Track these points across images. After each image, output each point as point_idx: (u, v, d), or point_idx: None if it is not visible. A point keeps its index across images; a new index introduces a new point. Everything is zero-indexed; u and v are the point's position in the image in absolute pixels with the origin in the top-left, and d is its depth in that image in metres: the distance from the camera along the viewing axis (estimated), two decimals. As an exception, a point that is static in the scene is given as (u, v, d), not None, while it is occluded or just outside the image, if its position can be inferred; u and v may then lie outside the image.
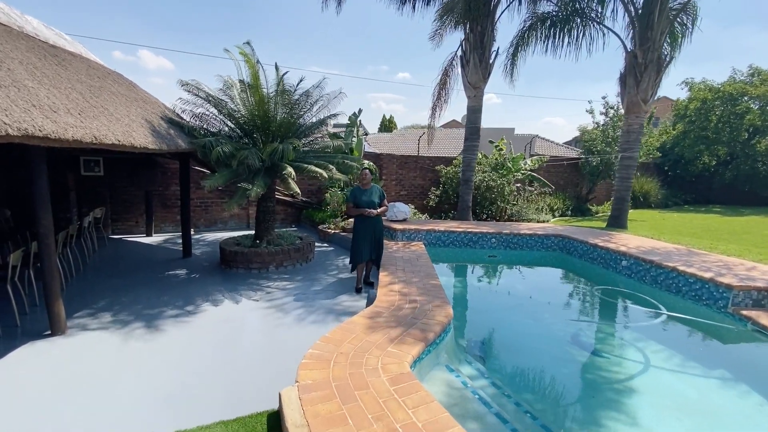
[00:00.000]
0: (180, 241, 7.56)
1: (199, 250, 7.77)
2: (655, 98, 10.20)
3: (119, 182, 8.88)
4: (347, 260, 5.54)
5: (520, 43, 10.65)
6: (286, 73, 6.54)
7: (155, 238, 8.82)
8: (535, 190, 13.33)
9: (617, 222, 9.96)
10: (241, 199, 5.68)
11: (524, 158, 12.86)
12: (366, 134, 11.80)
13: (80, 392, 3.03)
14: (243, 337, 4.09)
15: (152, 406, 2.86)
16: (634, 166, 10.08)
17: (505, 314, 5.34)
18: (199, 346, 3.86)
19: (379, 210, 5.29)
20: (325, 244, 8.56)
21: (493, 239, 7.84)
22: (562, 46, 10.47)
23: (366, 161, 7.85)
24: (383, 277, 5.18)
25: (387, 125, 35.20)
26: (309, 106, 6.79)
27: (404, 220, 8.74)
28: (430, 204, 11.90)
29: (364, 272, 5.66)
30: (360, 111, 10.55)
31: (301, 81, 6.52)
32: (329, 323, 4.35)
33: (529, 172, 12.72)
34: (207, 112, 6.52)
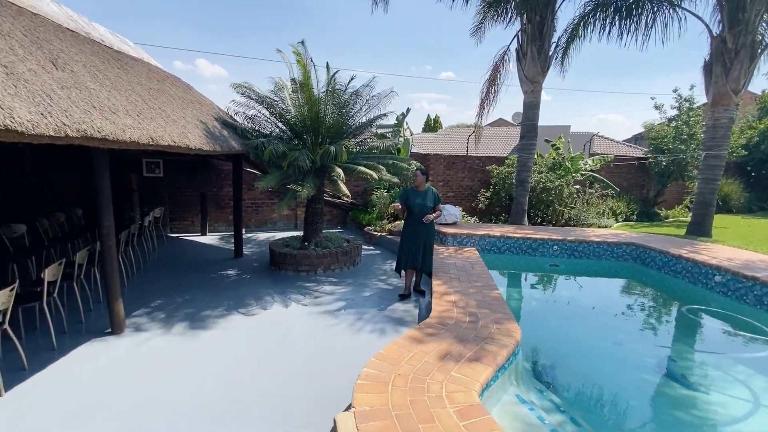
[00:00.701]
0: (232, 240, 7.69)
1: (249, 250, 7.87)
2: (747, 88, 8.87)
3: (177, 183, 9.26)
4: (395, 265, 5.27)
5: (575, 32, 9.67)
6: (337, 72, 6.38)
7: (209, 238, 9.10)
8: (596, 192, 12.26)
9: (700, 229, 8.79)
10: (291, 200, 5.58)
11: (584, 157, 11.85)
12: (411, 134, 11.45)
13: (131, 394, 2.99)
14: (293, 346, 3.92)
15: (198, 418, 2.73)
16: (722, 166, 8.84)
17: (574, 333, 4.76)
18: (249, 353, 3.74)
19: (433, 215, 4.94)
20: (372, 247, 8.34)
21: (555, 246, 7.17)
22: (627, 33, 9.32)
23: (413, 161, 7.52)
24: (437, 286, 4.81)
25: (432, 125, 34.58)
26: (359, 107, 6.60)
27: (454, 224, 8.29)
28: (480, 206, 11.31)
29: (414, 279, 5.33)
30: (408, 111, 10.26)
31: (351, 80, 6.34)
32: (382, 334, 4.07)
33: (590, 173, 11.69)
34: (259, 114, 6.54)
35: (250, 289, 5.56)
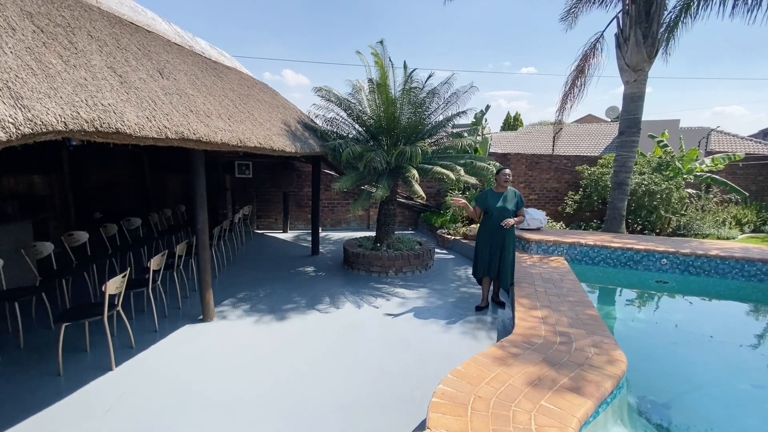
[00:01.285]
0: (310, 238, 8.01)
1: (325, 248, 8.11)
2: None
3: (263, 184, 9.97)
4: (470, 271, 4.91)
5: (686, 8, 8.09)
6: (414, 71, 6.23)
7: (290, 235, 9.62)
8: (715, 197, 10.34)
9: None
10: (365, 201, 5.57)
11: (699, 156, 10.07)
12: (490, 132, 10.83)
13: (218, 377, 3.16)
14: (364, 349, 3.84)
15: (275, 415, 2.76)
16: None
17: (691, 366, 3.95)
18: (324, 351, 3.75)
19: (513, 220, 4.49)
20: (445, 251, 8.02)
21: (665, 259, 6.12)
22: (759, 6, 7.37)
23: (493, 161, 7.04)
24: (521, 298, 4.37)
25: (511, 123, 32.74)
26: (435, 105, 6.38)
27: (538, 229, 7.59)
28: (567, 211, 10.27)
29: (491, 289, 4.92)
30: (487, 107, 9.71)
31: (429, 77, 6.14)
32: (457, 348, 3.79)
33: (708, 174, 9.89)
34: (337, 116, 6.69)
35: (325, 286, 5.66)
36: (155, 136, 2.47)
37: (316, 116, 6.63)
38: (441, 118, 6.45)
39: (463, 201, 4.71)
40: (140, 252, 6.34)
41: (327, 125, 6.70)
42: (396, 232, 7.11)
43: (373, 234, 7.23)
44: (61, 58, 2.18)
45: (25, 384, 3.10)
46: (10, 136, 1.65)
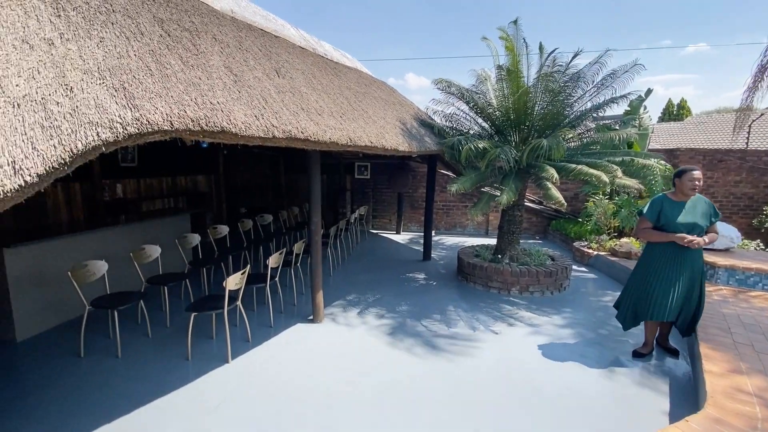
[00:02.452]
0: (422, 241, 7.62)
1: (437, 254, 7.61)
2: None
3: (380, 185, 10.02)
4: (616, 302, 3.72)
5: None
6: (555, 51, 5.20)
7: (402, 236, 9.42)
8: None
9: None
10: (486, 205, 4.86)
11: None
12: (650, 122, 8.63)
13: (325, 378, 3.03)
14: (479, 388, 3.19)
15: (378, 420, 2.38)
16: None
17: None
18: (427, 373, 3.25)
19: (704, 239, 3.18)
20: (584, 269, 6.63)
21: None
22: None
23: (659, 158, 5.42)
24: (710, 350, 3.08)
25: (674, 113, 26.62)
26: (581, 92, 5.21)
27: (727, 251, 5.61)
28: (767, 225, 7.50)
29: (657, 331, 3.65)
30: (649, 92, 7.75)
31: (575, 56, 5.03)
32: (609, 412, 2.82)
33: None
34: (457, 112, 6.09)
35: (435, 298, 5.16)
36: (262, 135, 2.36)
37: (434, 112, 6.16)
38: (588, 105, 5.24)
39: (661, 235, 3.29)
40: (269, 246, 6.90)
41: (445, 121, 6.17)
42: (522, 241, 6.15)
43: (493, 242, 6.40)
44: (181, 59, 2.21)
45: (163, 364, 3.44)
46: (117, 136, 1.61)
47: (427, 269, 6.57)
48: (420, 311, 4.70)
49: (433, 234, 8.01)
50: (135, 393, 2.99)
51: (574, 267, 6.51)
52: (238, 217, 9.21)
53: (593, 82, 5.17)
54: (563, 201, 4.40)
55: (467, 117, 6.09)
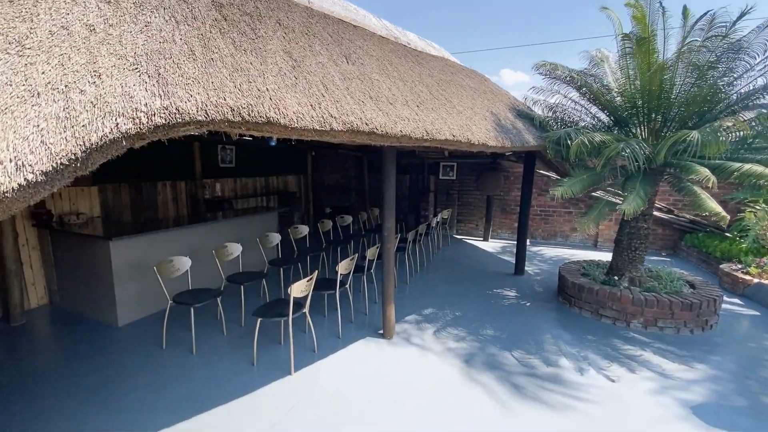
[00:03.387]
0: (514, 251, 6.69)
1: (532, 267, 6.60)
2: None
3: (466, 186, 9.24)
4: None
5: None
6: (709, 13, 3.93)
7: (491, 244, 8.51)
8: None
9: None
10: (602, 215, 3.87)
11: None
12: None
13: (389, 405, 2.54)
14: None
15: None
16: None
17: None
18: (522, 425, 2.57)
19: None
20: (736, 300, 5.03)
21: None
22: None
23: None
24: None
25: None
26: (745, 66, 3.86)
27: None
28: None
29: None
30: None
31: (741, 17, 3.72)
32: None
33: None
34: (564, 100, 5.10)
35: (529, 323, 4.32)
36: (317, 127, 2.00)
37: (534, 102, 5.26)
38: (760, 82, 3.84)
39: None
40: (347, 248, 6.75)
41: (548, 112, 5.22)
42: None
43: (604, 258, 5.23)
44: (233, 43, 1.97)
45: (231, 365, 3.38)
46: (140, 128, 1.37)
47: (520, 285, 5.68)
48: (508, 338, 3.95)
49: (528, 244, 7.00)
50: (202, 394, 2.94)
51: (725, 297, 4.96)
52: (323, 217, 9.37)
53: (766, 52, 3.77)
54: (723, 213, 3.19)
55: (576, 106, 5.05)
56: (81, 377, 3.16)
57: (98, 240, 4.00)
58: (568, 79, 4.76)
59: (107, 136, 1.30)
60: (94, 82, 1.40)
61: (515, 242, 6.60)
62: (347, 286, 4.22)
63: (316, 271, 3.54)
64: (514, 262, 6.40)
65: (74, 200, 4.86)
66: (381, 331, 4.06)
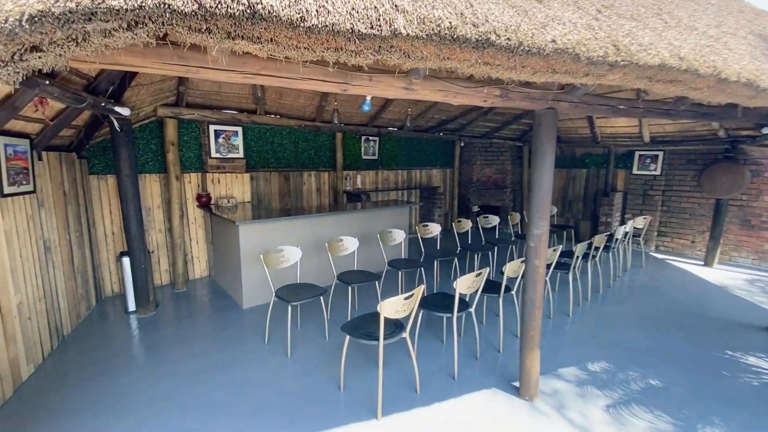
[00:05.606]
0: (761, 286, 4.08)
1: (812, 325, 3.86)
2: None
3: (679, 184, 6.46)
4: None
5: None
6: None
7: (718, 272, 5.64)
8: None
9: None
10: None
11: None
12: None
13: None
14: None
15: None
16: None
17: None
18: None
19: None
20: None
21: None
22: None
23: None
24: None
25: None
26: None
27: None
28: None
29: None
30: None
31: None
32: None
33: None
34: None
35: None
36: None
37: None
38: None
39: None
40: (488, 255, 5.50)
41: None
42: None
43: None
44: None
45: (315, 385, 2.80)
46: None
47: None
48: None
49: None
50: (274, 416, 2.43)
51: None
52: (466, 216, 8.24)
53: None
54: None
55: None
56: (193, 357, 3.14)
57: (231, 223, 4.11)
58: None
59: None
60: None
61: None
62: (471, 309, 3.10)
63: (422, 287, 2.59)
64: (765, 306, 3.87)
65: (230, 186, 5.32)
66: (516, 384, 2.80)
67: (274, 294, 3.33)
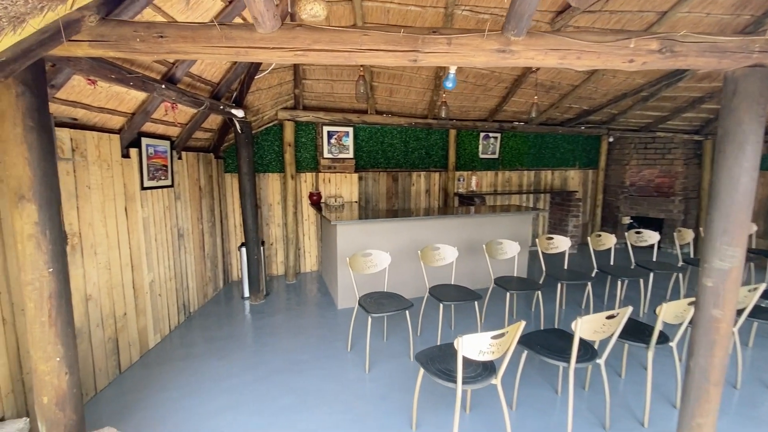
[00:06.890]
0: None
1: None
2: None
3: None
4: None
5: None
6: None
7: None
8: None
9: None
10: None
11: None
12: None
13: None
14: None
15: None
16: None
17: None
18: None
19: None
20: None
21: None
22: None
23: None
24: None
25: None
26: None
27: None
28: None
29: None
30: None
31: None
32: None
33: None
34: None
35: None
36: None
37: None
38: None
39: None
40: (637, 284, 4.17)
41: None
42: None
43: None
44: None
45: (382, 416, 2.44)
46: None
47: None
48: None
49: None
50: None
51: None
52: (612, 230, 6.66)
53: None
54: None
55: None
56: (278, 353, 3.17)
57: (329, 222, 4.10)
58: None
59: None
60: None
61: None
62: (600, 361, 2.24)
63: (521, 323, 1.94)
64: None
65: (339, 185, 5.41)
66: (668, 488, 1.87)
67: (357, 301, 3.10)
